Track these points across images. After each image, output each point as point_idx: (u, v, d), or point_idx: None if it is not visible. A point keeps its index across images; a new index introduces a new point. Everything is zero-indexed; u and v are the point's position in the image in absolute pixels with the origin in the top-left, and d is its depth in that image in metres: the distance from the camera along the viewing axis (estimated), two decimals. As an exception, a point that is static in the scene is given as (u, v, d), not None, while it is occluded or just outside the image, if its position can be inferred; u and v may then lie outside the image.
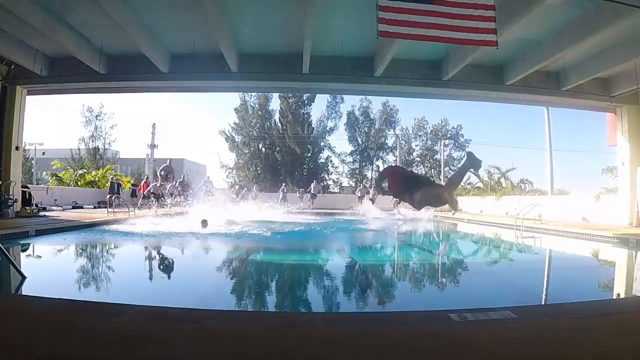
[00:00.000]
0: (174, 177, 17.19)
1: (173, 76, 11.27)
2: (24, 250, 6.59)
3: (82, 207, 16.22)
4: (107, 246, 7.58)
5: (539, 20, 8.45)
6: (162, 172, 16.80)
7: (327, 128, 37.52)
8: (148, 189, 17.27)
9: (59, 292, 4.06)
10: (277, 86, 15.37)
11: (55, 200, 15.79)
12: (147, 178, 20.53)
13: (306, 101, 36.77)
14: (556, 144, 30.70)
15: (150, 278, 4.83)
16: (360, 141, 38.22)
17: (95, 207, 16.68)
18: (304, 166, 37.35)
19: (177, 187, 16.91)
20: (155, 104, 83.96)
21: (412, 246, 9.08)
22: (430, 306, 3.89)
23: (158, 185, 16.66)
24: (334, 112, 37.55)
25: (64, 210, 14.21)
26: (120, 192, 16.72)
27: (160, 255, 6.54)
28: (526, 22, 8.05)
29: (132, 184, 21.24)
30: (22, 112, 11.72)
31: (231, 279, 4.98)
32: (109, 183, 17.48)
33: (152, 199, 16.64)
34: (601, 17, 7.74)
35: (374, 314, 3.65)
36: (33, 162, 37.79)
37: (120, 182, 18.75)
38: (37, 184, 22.55)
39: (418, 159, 39.11)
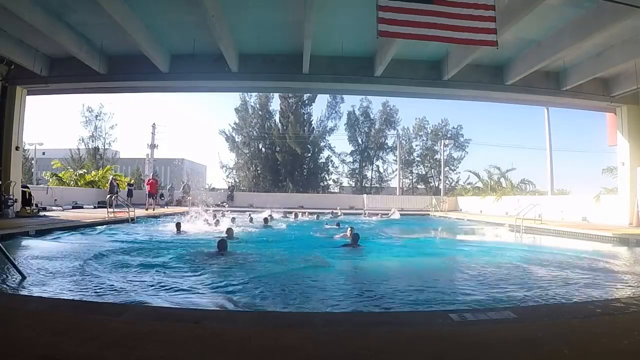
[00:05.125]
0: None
1: (173, 76, 11.27)
2: (24, 250, 6.58)
3: (82, 207, 16.22)
4: (108, 246, 7.57)
5: (539, 20, 8.45)
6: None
7: (327, 128, 37.61)
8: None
9: (59, 292, 4.06)
10: (277, 86, 15.41)
11: (55, 200, 15.78)
12: (153, 176, 20.60)
13: (306, 101, 36.80)
14: (556, 144, 30.83)
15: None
16: (360, 141, 38.25)
17: (95, 207, 16.68)
18: (304, 166, 37.35)
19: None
20: (155, 104, 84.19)
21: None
22: (430, 305, 3.88)
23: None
24: (334, 112, 37.64)
25: (64, 210, 14.22)
26: (118, 191, 16.84)
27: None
28: (526, 22, 8.05)
29: (128, 184, 21.11)
30: (22, 112, 11.73)
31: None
32: (109, 183, 17.55)
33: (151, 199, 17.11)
34: (601, 17, 7.74)
35: (373, 314, 3.65)
36: (33, 162, 37.81)
37: (117, 182, 18.77)
38: (37, 184, 22.55)
39: (418, 158, 39.12)
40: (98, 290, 4.15)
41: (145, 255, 6.46)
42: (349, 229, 8.59)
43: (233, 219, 12.65)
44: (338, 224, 11.57)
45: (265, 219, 12.23)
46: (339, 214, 17.77)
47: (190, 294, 4.14)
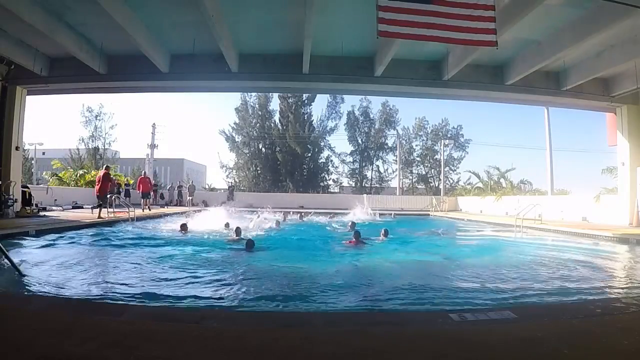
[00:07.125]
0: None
1: (173, 76, 11.28)
2: (24, 250, 6.58)
3: (82, 207, 16.21)
4: (108, 246, 7.57)
5: (539, 20, 8.46)
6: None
7: (327, 128, 37.62)
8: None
9: (59, 292, 4.06)
10: (277, 86, 15.42)
11: (55, 200, 15.78)
12: (145, 174, 20.50)
13: (306, 101, 36.80)
14: (556, 144, 30.88)
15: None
16: (360, 141, 38.24)
17: (95, 207, 16.66)
18: (304, 166, 37.34)
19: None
20: (155, 104, 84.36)
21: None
22: (430, 305, 3.88)
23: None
24: (334, 112, 37.66)
25: (64, 210, 14.21)
26: (121, 191, 16.87)
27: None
28: (526, 22, 8.06)
29: (126, 184, 21.09)
30: (22, 112, 11.73)
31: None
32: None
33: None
34: (601, 17, 7.74)
35: (373, 314, 3.65)
36: (33, 162, 37.83)
37: (118, 182, 18.77)
38: (37, 184, 22.56)
39: (418, 158, 39.12)
40: (98, 290, 4.15)
41: (145, 254, 6.46)
42: (383, 230, 8.94)
43: (258, 216, 12.89)
44: (353, 224, 11.58)
45: (277, 221, 12.30)
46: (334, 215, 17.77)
47: (190, 294, 4.14)
